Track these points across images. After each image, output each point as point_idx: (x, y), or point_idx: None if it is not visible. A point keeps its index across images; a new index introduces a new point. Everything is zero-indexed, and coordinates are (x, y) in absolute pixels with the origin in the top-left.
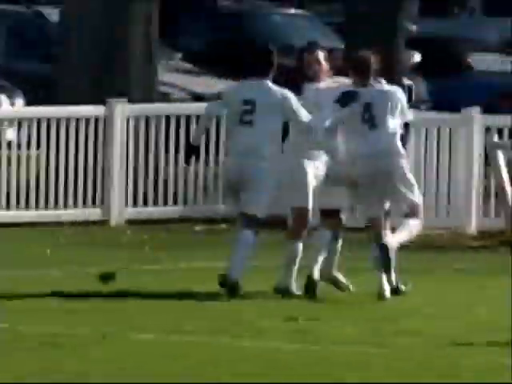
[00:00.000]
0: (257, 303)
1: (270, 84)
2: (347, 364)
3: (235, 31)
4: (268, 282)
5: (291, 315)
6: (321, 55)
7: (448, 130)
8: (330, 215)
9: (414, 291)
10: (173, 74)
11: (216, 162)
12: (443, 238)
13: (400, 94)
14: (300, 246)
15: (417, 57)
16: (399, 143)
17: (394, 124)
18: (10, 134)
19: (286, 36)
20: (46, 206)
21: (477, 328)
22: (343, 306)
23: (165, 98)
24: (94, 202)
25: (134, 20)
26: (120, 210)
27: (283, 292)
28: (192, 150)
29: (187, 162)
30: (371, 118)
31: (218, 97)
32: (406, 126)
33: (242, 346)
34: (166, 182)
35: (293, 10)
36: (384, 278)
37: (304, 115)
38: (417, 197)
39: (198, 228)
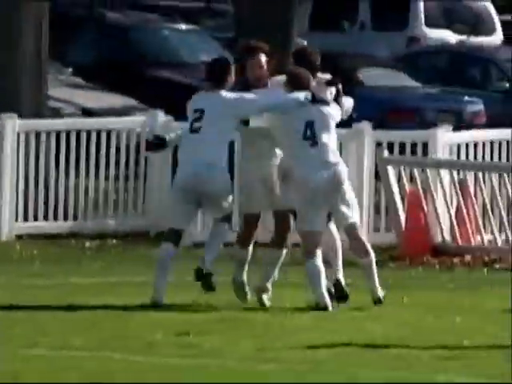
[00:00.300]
0: (149, 316)
1: (224, 93)
2: (243, 379)
3: (123, 45)
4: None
5: (183, 329)
6: (263, 59)
7: (339, 144)
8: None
9: (305, 307)
10: (63, 88)
11: (106, 177)
12: None
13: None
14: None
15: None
16: None
17: None
18: None
19: (175, 51)
20: None
21: (370, 343)
22: (233, 321)
23: (55, 113)
24: None
25: (24, 34)
26: (10, 225)
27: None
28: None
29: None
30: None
31: (108, 112)
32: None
33: (135, 361)
34: (56, 197)
35: (183, 25)
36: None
37: (255, 107)
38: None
39: (88, 243)
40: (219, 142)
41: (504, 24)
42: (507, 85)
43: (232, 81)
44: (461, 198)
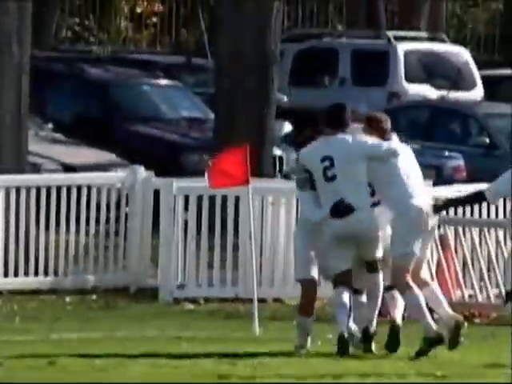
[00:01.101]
0: (129, 372)
1: (345, 135)
2: None
3: (103, 100)
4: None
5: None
6: None
7: None
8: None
9: (287, 361)
10: (43, 144)
11: (87, 232)
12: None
13: None
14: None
15: (287, 127)
16: None
17: None
18: None
19: (155, 106)
20: None
21: None
22: (213, 377)
23: (35, 168)
24: None
25: (5, 90)
26: None
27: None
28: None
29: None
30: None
31: (88, 168)
32: None
33: None
34: (36, 252)
35: (163, 80)
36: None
37: (383, 147)
38: None
39: (68, 299)
40: (358, 185)
41: (484, 79)
42: (487, 140)
43: (349, 125)
44: (441, 253)
